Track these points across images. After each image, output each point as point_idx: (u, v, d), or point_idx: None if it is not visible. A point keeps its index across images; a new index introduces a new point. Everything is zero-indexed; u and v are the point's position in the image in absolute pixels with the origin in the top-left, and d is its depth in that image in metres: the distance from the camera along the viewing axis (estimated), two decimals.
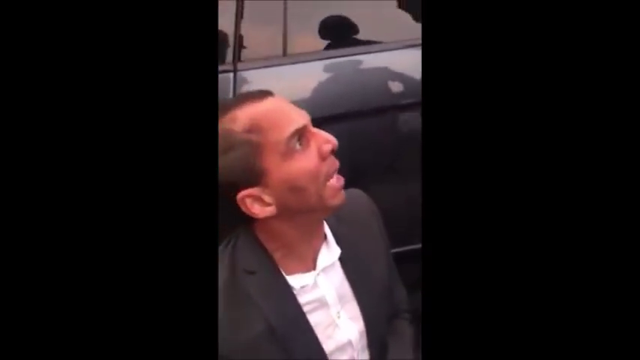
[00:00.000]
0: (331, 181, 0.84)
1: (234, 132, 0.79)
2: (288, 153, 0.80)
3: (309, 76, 1.65)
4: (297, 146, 0.80)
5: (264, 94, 0.82)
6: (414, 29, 1.64)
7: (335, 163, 0.85)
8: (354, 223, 0.94)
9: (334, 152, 0.84)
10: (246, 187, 0.81)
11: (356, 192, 0.98)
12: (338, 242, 0.92)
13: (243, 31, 1.61)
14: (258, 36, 1.64)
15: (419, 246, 1.50)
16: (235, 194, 0.81)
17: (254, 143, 0.79)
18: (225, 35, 1.61)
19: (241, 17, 1.61)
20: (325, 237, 0.92)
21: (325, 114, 1.52)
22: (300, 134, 0.81)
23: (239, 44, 1.61)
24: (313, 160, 0.82)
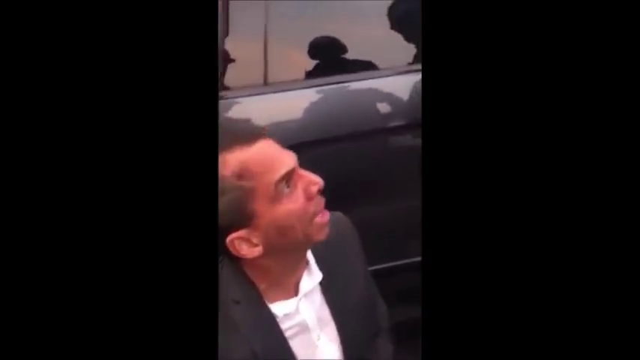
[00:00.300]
0: (317, 218, 0.87)
1: (224, 177, 0.80)
2: (276, 196, 0.82)
3: (297, 99, 1.64)
4: (285, 189, 0.83)
5: (253, 136, 0.84)
6: (405, 50, 1.67)
7: (321, 202, 0.87)
8: (335, 246, 0.95)
9: (321, 192, 0.86)
10: (235, 229, 0.83)
11: (337, 215, 0.99)
12: (319, 266, 0.95)
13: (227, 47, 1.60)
14: (241, 53, 1.64)
15: (404, 261, 1.59)
16: (224, 236, 0.83)
17: (245, 188, 0.81)
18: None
19: (226, 34, 1.59)
20: (308, 262, 0.94)
21: (314, 137, 1.52)
22: (288, 177, 0.83)
23: (225, 60, 1.60)
24: (300, 201, 0.84)
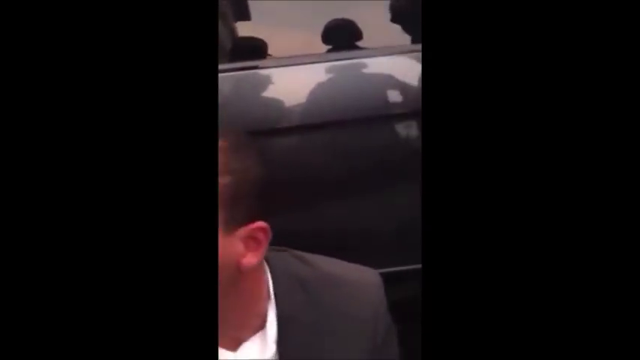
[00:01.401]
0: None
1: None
2: None
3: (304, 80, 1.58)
4: None
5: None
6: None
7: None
8: (334, 316, 0.69)
9: None
10: None
11: (366, 274, 0.75)
12: (283, 341, 0.67)
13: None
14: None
15: (404, 268, 1.42)
16: None
17: None
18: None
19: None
20: (264, 328, 0.68)
21: (319, 120, 1.44)
22: None
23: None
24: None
